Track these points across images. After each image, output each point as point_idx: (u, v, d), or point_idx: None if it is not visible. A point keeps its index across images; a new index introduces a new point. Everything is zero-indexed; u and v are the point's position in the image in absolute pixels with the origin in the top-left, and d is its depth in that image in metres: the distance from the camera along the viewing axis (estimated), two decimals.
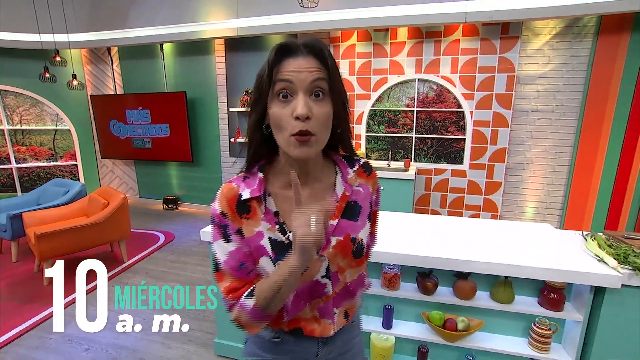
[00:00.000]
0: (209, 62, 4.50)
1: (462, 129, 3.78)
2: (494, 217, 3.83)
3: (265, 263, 0.68)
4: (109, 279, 2.88)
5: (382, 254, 1.55)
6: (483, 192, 3.81)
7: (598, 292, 1.37)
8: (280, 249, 0.68)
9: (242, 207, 0.68)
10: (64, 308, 2.40)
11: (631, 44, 3.14)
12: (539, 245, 1.62)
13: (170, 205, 5.05)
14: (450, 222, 1.97)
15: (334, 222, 0.71)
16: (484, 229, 1.86)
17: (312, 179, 0.72)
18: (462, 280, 1.58)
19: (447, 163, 3.91)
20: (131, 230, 3.32)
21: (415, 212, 3.96)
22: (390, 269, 1.64)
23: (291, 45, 0.62)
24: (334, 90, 0.64)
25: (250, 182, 0.70)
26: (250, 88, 4.35)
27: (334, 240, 0.70)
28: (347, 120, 0.70)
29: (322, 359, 0.81)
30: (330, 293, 0.73)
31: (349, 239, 0.72)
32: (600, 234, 1.60)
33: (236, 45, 4.33)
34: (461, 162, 3.86)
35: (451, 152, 3.88)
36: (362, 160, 0.79)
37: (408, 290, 1.66)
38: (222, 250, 0.69)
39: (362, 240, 0.73)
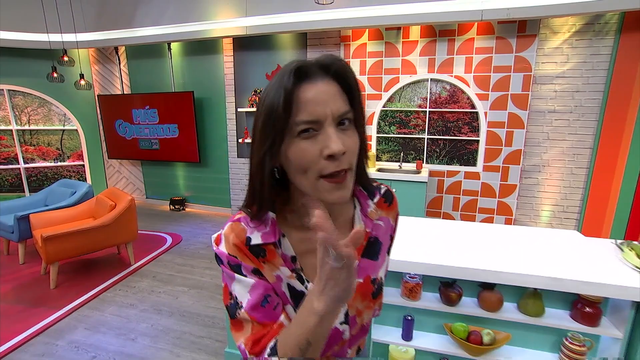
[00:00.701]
0: (217, 61, 4.44)
1: (475, 130, 3.68)
2: (508, 220, 3.73)
3: (289, 310, 0.59)
4: (116, 282, 2.86)
5: (403, 263, 1.46)
6: (497, 194, 3.70)
7: None
8: (298, 298, 0.59)
9: (257, 250, 0.57)
10: (70, 313, 2.37)
11: None
12: (570, 254, 1.53)
13: (177, 207, 5.00)
14: (471, 227, 1.88)
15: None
16: (507, 235, 1.77)
17: (332, 215, 0.57)
18: (488, 290, 1.49)
19: (460, 165, 3.81)
20: (138, 232, 3.28)
21: (427, 215, 3.87)
22: (411, 278, 1.56)
23: (310, 68, 0.51)
24: (358, 116, 0.54)
25: (259, 223, 0.58)
26: (259, 88, 4.31)
27: None
28: (365, 147, 0.59)
29: None
30: (347, 338, 0.65)
31: (369, 281, 0.65)
32: (637, 243, 1.50)
33: (245, 44, 4.27)
34: (474, 164, 3.76)
35: (464, 154, 3.78)
36: (383, 189, 0.70)
37: (430, 300, 1.57)
38: (241, 287, 0.56)
39: (381, 279, 0.68)
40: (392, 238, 0.72)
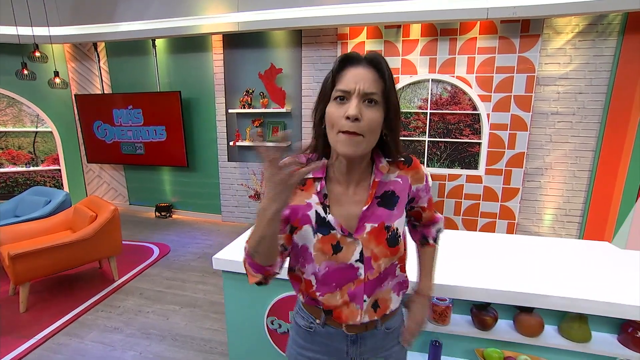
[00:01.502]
0: (205, 59, 4.18)
1: (477, 132, 3.58)
2: (510, 225, 3.65)
3: (307, 230, 0.77)
4: (98, 302, 2.57)
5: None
6: (500, 198, 3.61)
7: None
8: (321, 224, 0.76)
9: (302, 180, 0.71)
10: (44, 342, 2.08)
11: None
12: (612, 271, 1.40)
13: (163, 213, 4.70)
14: (496, 240, 1.74)
15: (365, 207, 0.76)
16: (536, 248, 1.64)
17: (358, 179, 0.78)
18: (526, 314, 1.34)
19: (462, 168, 3.71)
20: (122, 242, 2.99)
21: None
22: (441, 300, 1.39)
23: (354, 56, 0.70)
24: (387, 99, 0.70)
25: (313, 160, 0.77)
26: (251, 87, 4.08)
27: (368, 227, 0.76)
28: (396, 129, 0.76)
29: (354, 358, 0.85)
30: (362, 277, 0.77)
31: (383, 227, 0.77)
32: None
33: (236, 41, 4.03)
34: (476, 167, 3.66)
35: (466, 157, 3.68)
36: (405, 155, 0.82)
37: (460, 324, 1.41)
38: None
39: (397, 229, 0.78)
40: (410, 194, 0.83)
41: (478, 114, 3.53)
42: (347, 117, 0.66)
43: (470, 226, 3.75)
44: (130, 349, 2.08)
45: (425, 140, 3.74)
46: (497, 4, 2.94)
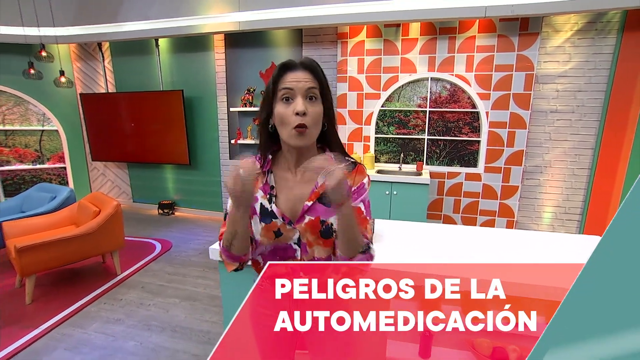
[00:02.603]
0: (207, 58, 4.24)
1: (476, 130, 3.59)
2: (509, 222, 3.66)
3: (255, 220, 0.89)
4: (101, 294, 2.64)
5: (421, 274, 1.33)
6: (499, 196, 3.63)
7: None
8: (264, 214, 0.88)
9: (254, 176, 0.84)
10: (48, 332, 2.15)
11: None
12: None
13: (165, 211, 4.77)
14: (491, 234, 1.77)
15: (309, 203, 0.87)
16: (531, 242, 1.66)
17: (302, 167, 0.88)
18: None
19: (461, 166, 3.73)
20: (125, 238, 3.06)
21: (428, 218, 3.76)
22: None
23: (291, 63, 0.83)
24: (323, 95, 0.84)
25: (261, 161, 0.90)
26: (252, 86, 4.13)
27: (306, 218, 0.87)
28: (333, 119, 0.89)
29: None
30: (298, 257, 0.89)
31: (319, 221, 0.87)
32: None
33: (237, 40, 4.08)
34: (475, 165, 3.68)
35: (465, 155, 3.70)
36: (350, 162, 0.90)
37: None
38: (230, 203, 0.85)
39: (331, 224, 0.88)
40: (352, 194, 0.90)
41: (477, 112, 3.54)
42: (297, 113, 0.78)
43: (469, 224, 3.77)
44: (132, 339, 2.13)
45: (424, 139, 3.77)
46: (496, 2, 2.96)
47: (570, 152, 3.41)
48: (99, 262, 3.17)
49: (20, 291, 2.62)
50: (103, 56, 4.65)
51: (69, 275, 2.93)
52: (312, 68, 0.83)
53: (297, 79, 0.80)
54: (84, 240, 2.60)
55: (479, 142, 3.61)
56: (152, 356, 1.99)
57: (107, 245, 2.82)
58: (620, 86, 3.11)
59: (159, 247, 3.62)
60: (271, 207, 0.88)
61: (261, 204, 0.88)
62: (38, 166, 4.75)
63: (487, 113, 3.49)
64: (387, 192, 3.42)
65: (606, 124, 3.22)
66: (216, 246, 1.58)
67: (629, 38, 3.03)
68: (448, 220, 3.83)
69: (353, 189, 0.88)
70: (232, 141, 4.31)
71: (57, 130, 4.78)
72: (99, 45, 4.58)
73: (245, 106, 4.12)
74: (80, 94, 4.74)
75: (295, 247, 0.88)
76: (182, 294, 2.67)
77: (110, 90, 4.75)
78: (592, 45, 3.16)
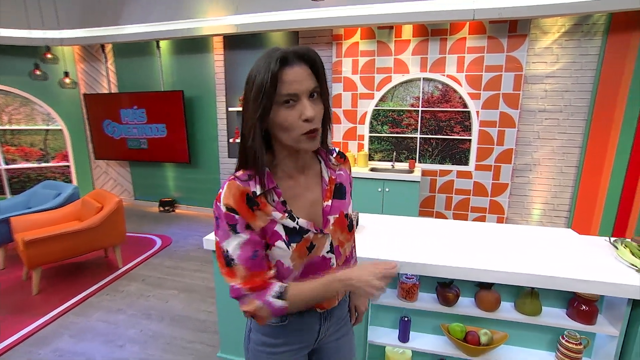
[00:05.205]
0: (207, 60, 4.36)
1: (467, 129, 3.69)
2: (500, 219, 3.75)
3: (280, 245, 0.76)
4: (104, 286, 2.77)
5: (400, 264, 1.44)
6: (489, 193, 3.72)
7: (636, 304, 1.27)
8: (292, 233, 0.77)
9: (252, 202, 0.73)
10: (54, 320, 2.28)
11: None
12: (566, 252, 1.53)
13: (166, 208, 4.90)
14: (466, 227, 1.87)
15: (328, 202, 0.82)
16: (502, 234, 1.76)
17: (306, 168, 0.83)
18: (485, 290, 1.48)
19: (453, 164, 3.82)
20: (126, 234, 3.19)
21: (420, 215, 3.86)
22: (408, 278, 1.53)
23: (289, 56, 0.68)
24: (323, 92, 0.74)
25: (256, 178, 0.74)
26: None
27: (332, 219, 0.82)
28: (330, 114, 0.79)
29: (322, 336, 0.91)
30: (334, 266, 0.84)
31: (343, 215, 0.85)
32: (630, 240, 1.51)
33: (235, 42, 4.20)
34: (467, 163, 3.77)
35: (456, 153, 3.79)
36: (337, 149, 0.92)
37: (427, 301, 1.55)
38: (234, 244, 0.73)
39: (351, 215, 0.89)
40: (350, 184, 0.94)
41: (468, 112, 3.64)
42: (306, 120, 0.68)
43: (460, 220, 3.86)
44: (132, 327, 2.26)
45: (417, 137, 3.87)
46: (484, 6, 3.06)
47: (558, 150, 3.50)
48: (101, 256, 3.30)
49: (27, 283, 2.76)
50: (106, 57, 4.78)
51: (73, 268, 3.06)
52: (313, 61, 0.71)
53: (300, 79, 0.68)
54: (87, 234, 2.73)
55: (470, 140, 3.71)
56: (150, 342, 2.11)
57: (109, 240, 2.94)
58: (606, 86, 3.20)
59: (159, 242, 3.75)
60: (297, 224, 0.77)
61: (283, 225, 0.76)
62: (43, 164, 4.89)
63: (477, 112, 3.59)
64: (380, 189, 3.52)
65: (592, 123, 3.31)
66: (211, 237, 1.69)
67: (614, 40, 3.12)
68: (440, 217, 3.93)
69: (351, 178, 0.95)
70: (231, 140, 4.43)
71: (61, 130, 4.92)
72: (102, 47, 4.71)
73: None
74: (83, 94, 4.88)
75: (329, 255, 0.82)
76: (181, 286, 2.80)
77: (112, 91, 4.89)
78: (579, 47, 3.25)
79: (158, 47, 4.46)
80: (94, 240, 2.81)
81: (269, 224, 0.75)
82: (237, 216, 0.71)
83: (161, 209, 4.92)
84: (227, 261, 0.73)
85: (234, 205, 0.71)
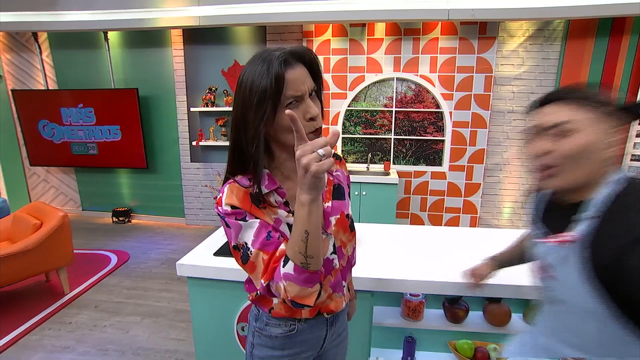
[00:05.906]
0: (164, 55, 3.95)
1: (441, 129, 3.71)
2: (473, 219, 3.82)
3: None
4: (45, 319, 2.32)
5: (403, 282, 1.30)
6: (463, 194, 3.77)
7: None
8: None
9: (258, 200, 0.72)
10: None
11: (595, 48, 3.27)
12: None
13: (121, 218, 4.39)
14: (461, 233, 1.80)
15: (329, 203, 0.82)
16: (503, 238, 1.70)
17: None
18: (495, 304, 1.39)
19: (427, 165, 3.83)
20: (74, 252, 2.72)
21: (396, 217, 3.81)
22: (414, 296, 1.40)
23: (288, 57, 0.67)
24: (319, 89, 0.75)
25: (257, 181, 0.71)
26: (214, 85, 3.91)
27: (333, 220, 0.81)
28: (323, 110, 0.78)
29: (327, 343, 0.90)
30: (337, 267, 0.82)
31: (345, 216, 0.84)
32: None
33: (197, 36, 3.84)
34: (441, 164, 3.80)
35: (430, 154, 3.80)
36: (333, 150, 0.88)
37: (433, 318, 1.43)
38: (247, 233, 0.70)
39: (351, 215, 0.88)
40: (348, 185, 0.95)
41: (441, 112, 3.65)
42: (311, 118, 0.68)
43: (435, 221, 3.88)
44: None
45: (391, 138, 3.81)
46: (458, 6, 3.06)
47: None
48: (41, 281, 2.80)
49: None
50: (40, 48, 4.15)
51: (3, 299, 2.55)
52: (312, 61, 0.71)
53: (302, 80, 0.68)
54: (20, 258, 2.27)
55: (443, 141, 3.73)
56: None
57: (51, 263, 2.49)
58: None
59: (114, 259, 3.30)
60: None
61: (288, 224, 0.74)
62: None
63: (450, 113, 3.61)
64: (357, 193, 3.41)
65: None
66: (185, 261, 1.44)
67: (572, 45, 3.30)
68: (415, 219, 3.92)
69: (349, 179, 0.95)
70: (194, 143, 4.06)
71: None
72: (35, 35, 4.07)
73: (207, 106, 3.89)
74: (11, 90, 4.20)
75: (332, 256, 0.78)
76: (144, 311, 2.44)
77: (50, 87, 4.26)
78: (541, 51, 3.39)
79: (106, 39, 3.95)
80: (30, 265, 2.35)
81: (275, 223, 0.74)
82: (243, 210, 0.71)
83: (115, 219, 4.40)
84: (245, 256, 0.70)
85: (238, 204, 0.71)
